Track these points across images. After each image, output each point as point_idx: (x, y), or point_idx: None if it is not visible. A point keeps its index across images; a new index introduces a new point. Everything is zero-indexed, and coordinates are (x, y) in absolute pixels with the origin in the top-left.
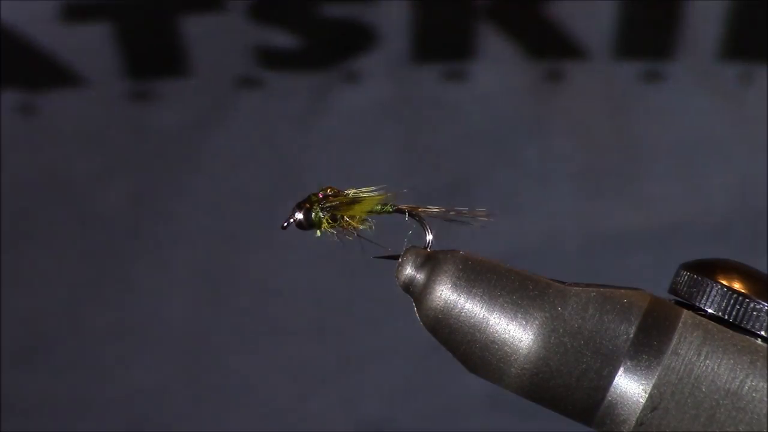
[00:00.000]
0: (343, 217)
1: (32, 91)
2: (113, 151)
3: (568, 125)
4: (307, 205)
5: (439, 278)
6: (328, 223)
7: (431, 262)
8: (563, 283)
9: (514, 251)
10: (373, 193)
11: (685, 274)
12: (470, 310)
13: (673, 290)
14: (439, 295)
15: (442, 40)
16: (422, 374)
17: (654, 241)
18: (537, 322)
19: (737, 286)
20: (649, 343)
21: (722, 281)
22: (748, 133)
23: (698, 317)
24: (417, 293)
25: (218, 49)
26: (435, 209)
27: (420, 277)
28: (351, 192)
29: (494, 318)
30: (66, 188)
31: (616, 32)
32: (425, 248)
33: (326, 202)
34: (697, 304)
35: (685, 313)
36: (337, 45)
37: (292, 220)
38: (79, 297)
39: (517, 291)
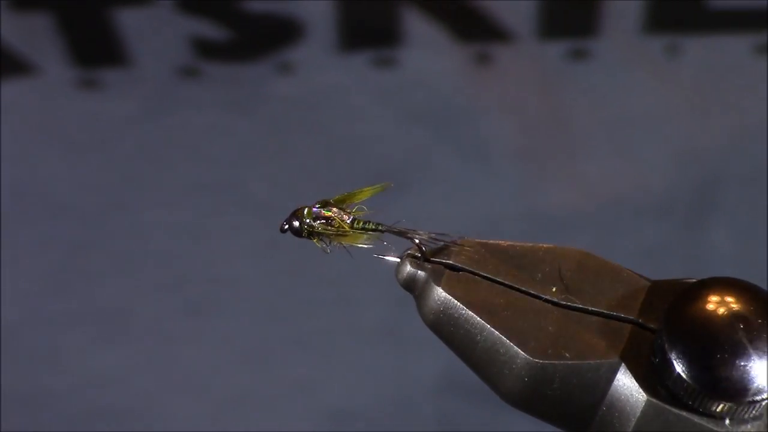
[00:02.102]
0: (332, 239)
1: None
2: (65, 139)
3: (500, 107)
4: (299, 216)
5: (426, 301)
6: (318, 240)
7: (427, 273)
8: (557, 294)
9: (454, 231)
10: (367, 200)
11: (660, 337)
12: (455, 339)
13: (653, 344)
14: (430, 309)
15: (369, 28)
16: (377, 357)
17: (594, 220)
18: (508, 382)
19: (706, 369)
20: (612, 422)
21: (689, 364)
22: (680, 105)
23: (659, 404)
24: (416, 297)
25: (157, 39)
26: (424, 235)
27: (420, 276)
28: (341, 220)
29: (477, 354)
30: (20, 176)
31: (539, 13)
32: (419, 254)
33: (314, 227)
34: (664, 381)
35: (647, 402)
36: (266, 37)
37: (288, 226)
38: (35, 286)
39: (488, 351)
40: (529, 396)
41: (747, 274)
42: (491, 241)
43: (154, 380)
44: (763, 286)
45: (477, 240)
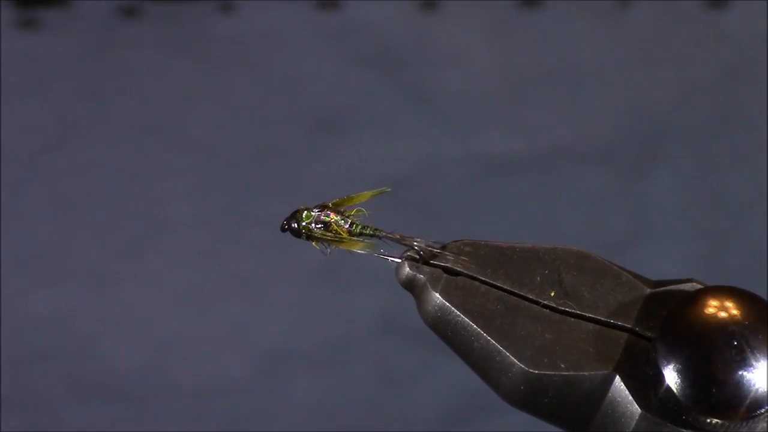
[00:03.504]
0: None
1: None
2: (5, 79)
3: (446, 53)
4: (298, 217)
5: (424, 305)
6: (316, 243)
7: (425, 277)
8: (555, 298)
9: (397, 176)
10: (367, 202)
11: (654, 350)
12: (452, 343)
13: (648, 356)
14: (429, 313)
15: None
16: (314, 298)
17: (536, 165)
18: (505, 388)
19: (697, 387)
20: (608, 430)
21: (681, 381)
22: (628, 57)
23: (652, 418)
24: (418, 292)
25: None
26: (422, 242)
27: (419, 278)
28: (340, 226)
29: (474, 359)
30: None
31: None
32: (418, 255)
33: (312, 231)
34: (658, 394)
35: (640, 416)
36: None
37: (287, 226)
38: None
39: (484, 359)
40: (527, 402)
41: (687, 226)
42: (491, 242)
43: (92, 322)
44: (706, 243)
45: (476, 240)
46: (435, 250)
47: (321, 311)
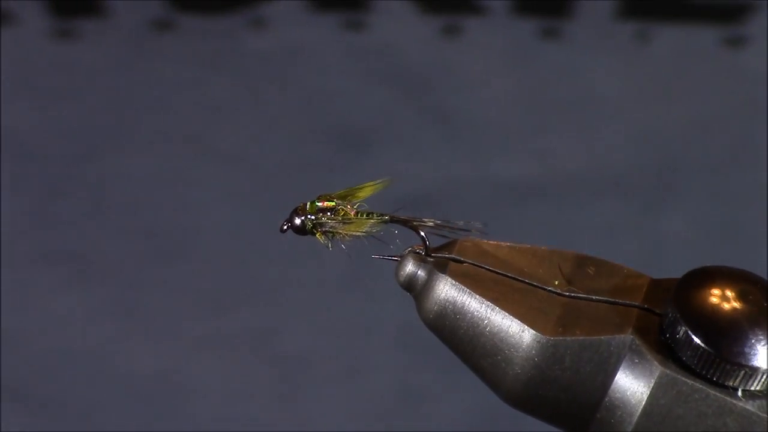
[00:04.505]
0: (337, 232)
1: None
2: (39, 88)
3: (467, 78)
4: (300, 213)
5: (432, 292)
6: (321, 235)
7: (428, 268)
8: (560, 286)
9: (417, 195)
10: (368, 198)
11: (671, 314)
12: (461, 327)
13: (662, 323)
14: (432, 307)
15: None
16: (338, 308)
17: (552, 193)
18: (516, 367)
19: (720, 333)
20: (623, 400)
21: (703, 330)
22: (645, 90)
23: (673, 375)
24: (416, 295)
25: None
26: (430, 222)
27: (419, 278)
28: (343, 209)
29: (483, 341)
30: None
31: None
32: (424, 252)
33: (319, 219)
34: (677, 351)
35: (660, 373)
36: None
37: (289, 224)
38: (6, 227)
39: (497, 334)
40: (537, 383)
41: (698, 259)
42: (492, 242)
43: (117, 324)
44: None
45: (479, 239)
46: (450, 227)
47: (343, 321)
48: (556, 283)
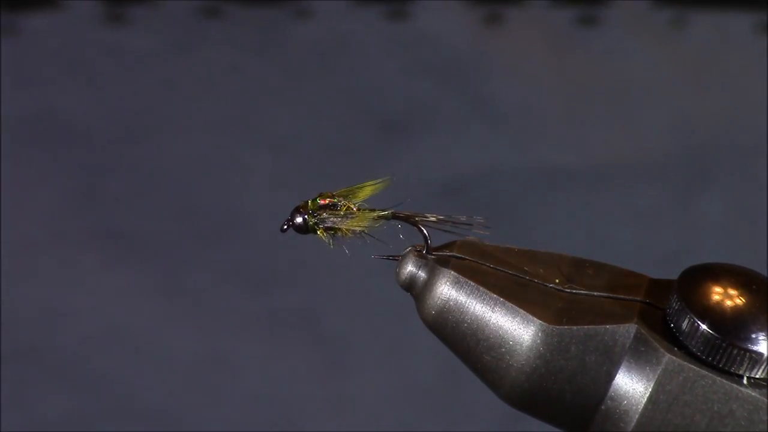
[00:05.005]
0: (339, 229)
1: (13, 12)
2: (89, 71)
3: (507, 66)
4: (302, 211)
5: (435, 287)
6: (323, 232)
7: (429, 266)
8: (560, 284)
9: (454, 181)
10: (369, 198)
11: (676, 303)
12: (465, 321)
13: (667, 314)
14: (435, 302)
15: None
16: (376, 288)
17: (590, 179)
18: (521, 359)
19: (725, 319)
20: (629, 386)
21: (709, 317)
22: (681, 76)
23: (679, 362)
24: (416, 295)
25: None
26: (432, 218)
27: (419, 278)
28: (346, 204)
29: (487, 333)
30: (43, 105)
31: None
32: (424, 250)
33: (321, 215)
34: (682, 340)
35: (666, 359)
36: None
37: (290, 223)
38: (56, 206)
39: (501, 326)
40: (541, 374)
41: (737, 243)
42: (491, 244)
43: (164, 303)
44: (756, 260)
45: (478, 240)
46: (452, 222)
47: (384, 302)
48: (557, 281)
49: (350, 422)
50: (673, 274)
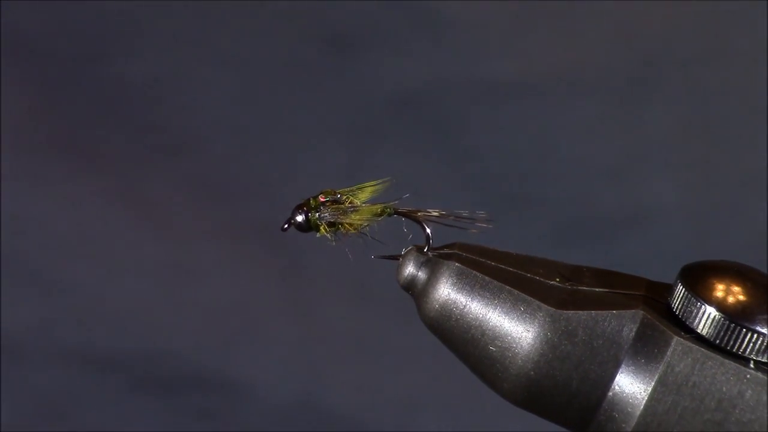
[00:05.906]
0: (342, 224)
1: None
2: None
3: None
4: (305, 209)
5: (439, 279)
6: (326, 228)
7: (432, 262)
8: (561, 282)
9: (402, 94)
10: (369, 199)
11: (681, 290)
12: (470, 311)
13: (671, 302)
14: (439, 294)
15: None
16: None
17: (534, 90)
18: (527, 346)
19: (732, 302)
20: (637, 371)
21: (716, 300)
22: None
23: (688, 344)
24: (418, 293)
25: None
26: (434, 213)
27: (421, 276)
28: (349, 198)
29: (493, 322)
30: (10, 25)
31: None
32: (425, 248)
33: (324, 211)
34: (690, 325)
35: (675, 341)
36: None
37: (291, 222)
38: (20, 121)
39: (508, 313)
40: (548, 361)
41: (680, 154)
42: (490, 247)
43: (125, 213)
44: (699, 170)
45: (477, 245)
46: (455, 216)
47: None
48: (557, 279)
49: (311, 325)
50: (618, 186)
